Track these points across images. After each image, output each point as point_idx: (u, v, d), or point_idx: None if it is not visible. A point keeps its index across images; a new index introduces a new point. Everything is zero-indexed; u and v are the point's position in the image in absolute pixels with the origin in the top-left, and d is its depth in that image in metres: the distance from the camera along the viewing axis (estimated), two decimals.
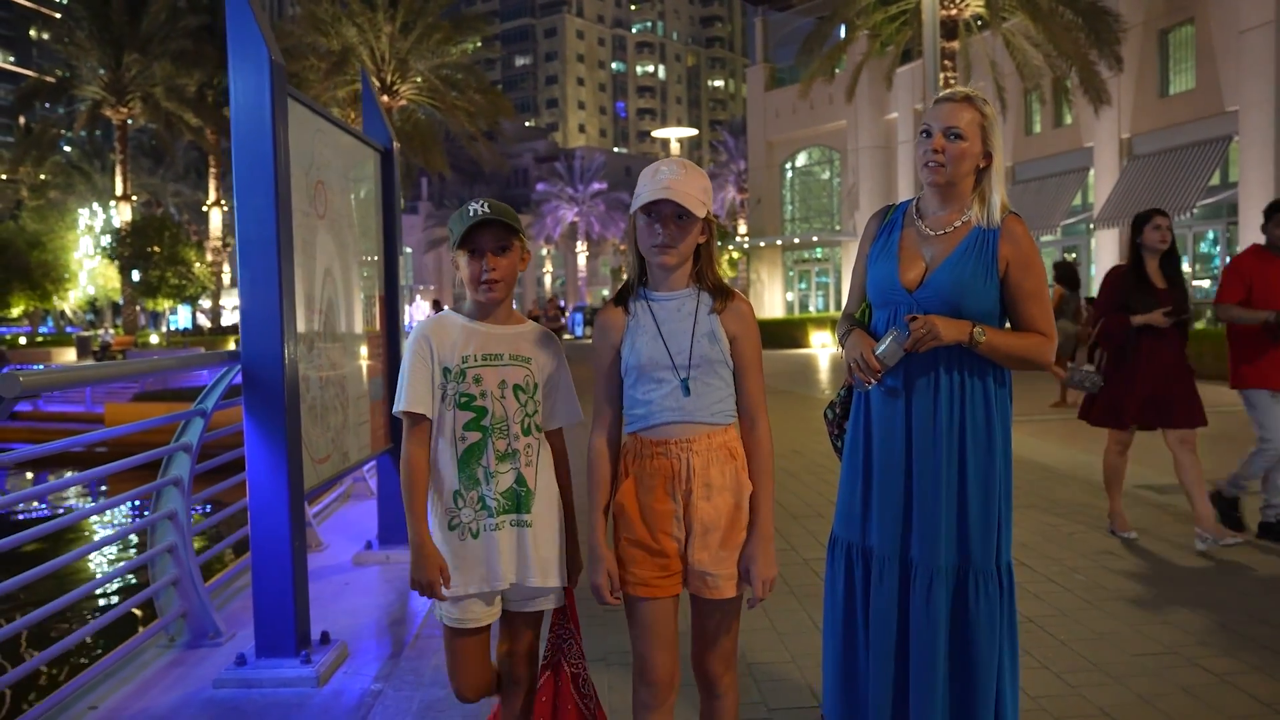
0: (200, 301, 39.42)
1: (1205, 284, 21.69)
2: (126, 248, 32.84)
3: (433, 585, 2.22)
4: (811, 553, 5.07)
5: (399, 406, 2.27)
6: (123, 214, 35.91)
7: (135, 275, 33.16)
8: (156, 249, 32.39)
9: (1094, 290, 22.59)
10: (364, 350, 4.77)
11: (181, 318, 49.85)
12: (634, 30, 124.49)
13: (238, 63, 3.47)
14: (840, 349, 2.66)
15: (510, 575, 2.28)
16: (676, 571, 2.19)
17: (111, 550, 8.31)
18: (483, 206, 2.25)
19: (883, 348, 2.35)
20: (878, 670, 2.39)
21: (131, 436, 3.99)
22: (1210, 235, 21.41)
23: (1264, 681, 3.24)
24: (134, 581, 6.78)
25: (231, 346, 29.38)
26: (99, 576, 3.96)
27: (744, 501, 2.20)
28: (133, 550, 8.19)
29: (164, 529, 3.94)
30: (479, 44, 36.45)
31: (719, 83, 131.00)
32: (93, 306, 48.33)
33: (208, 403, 3.97)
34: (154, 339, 34.72)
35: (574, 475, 2.41)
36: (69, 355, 33.45)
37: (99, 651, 4.04)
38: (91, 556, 7.98)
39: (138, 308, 37.03)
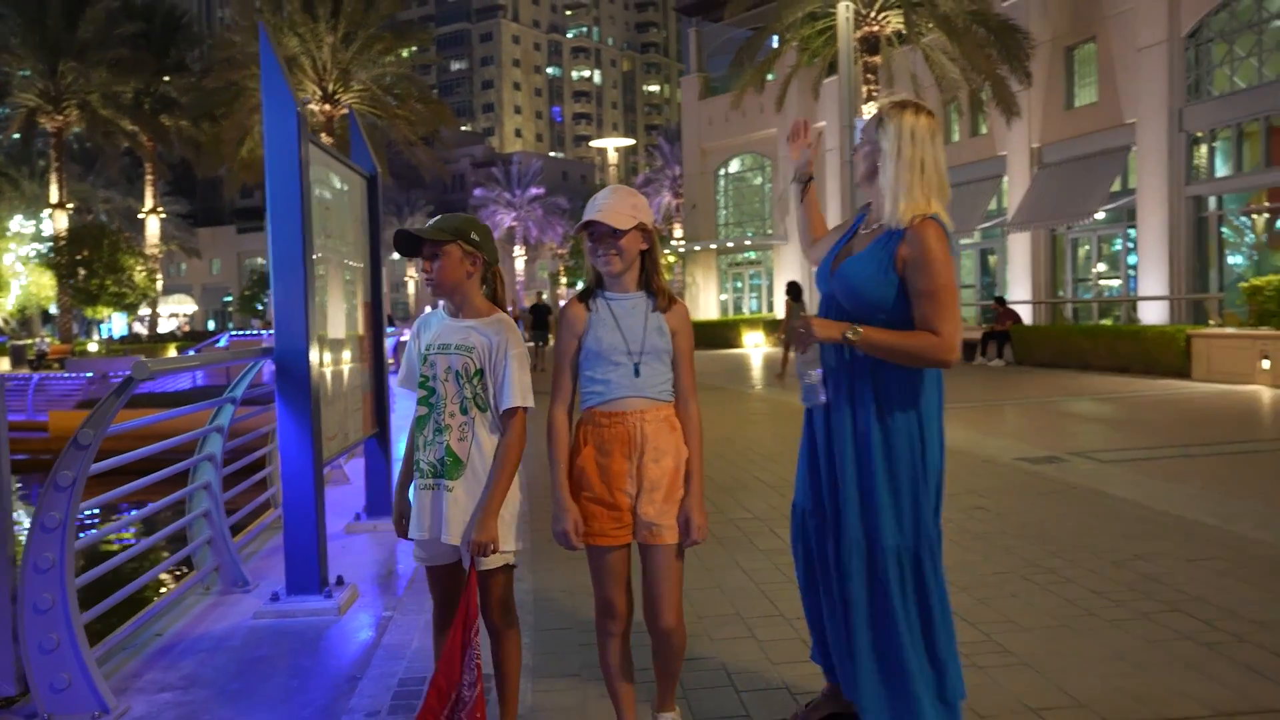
0: (137, 310, 39.12)
1: (1115, 283, 23.24)
2: (64, 255, 32.69)
3: (395, 523, 2.81)
4: (736, 513, 6.05)
5: (397, 382, 2.93)
6: (58, 222, 35.66)
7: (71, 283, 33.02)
8: (87, 254, 32.27)
9: (1006, 291, 24.05)
10: (356, 348, 5.60)
11: (116, 325, 49.31)
12: (569, 35, 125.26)
13: (270, 111, 4.29)
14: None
15: (427, 530, 2.68)
16: (628, 524, 2.61)
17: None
18: (429, 222, 2.78)
19: (804, 359, 2.70)
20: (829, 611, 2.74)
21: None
22: (1118, 238, 22.94)
23: (1073, 589, 4.27)
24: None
25: (172, 353, 29.12)
26: (147, 537, 4.72)
27: (682, 465, 2.64)
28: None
29: (200, 497, 4.75)
30: (414, 49, 36.82)
31: (654, 88, 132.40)
32: (21, 315, 47.57)
33: (237, 391, 4.79)
34: (93, 347, 34.55)
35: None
36: (2, 365, 33.15)
37: (147, 599, 4.81)
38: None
39: (70, 315, 36.79)
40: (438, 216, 2.78)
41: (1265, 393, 12.05)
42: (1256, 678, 3.21)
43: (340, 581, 4.62)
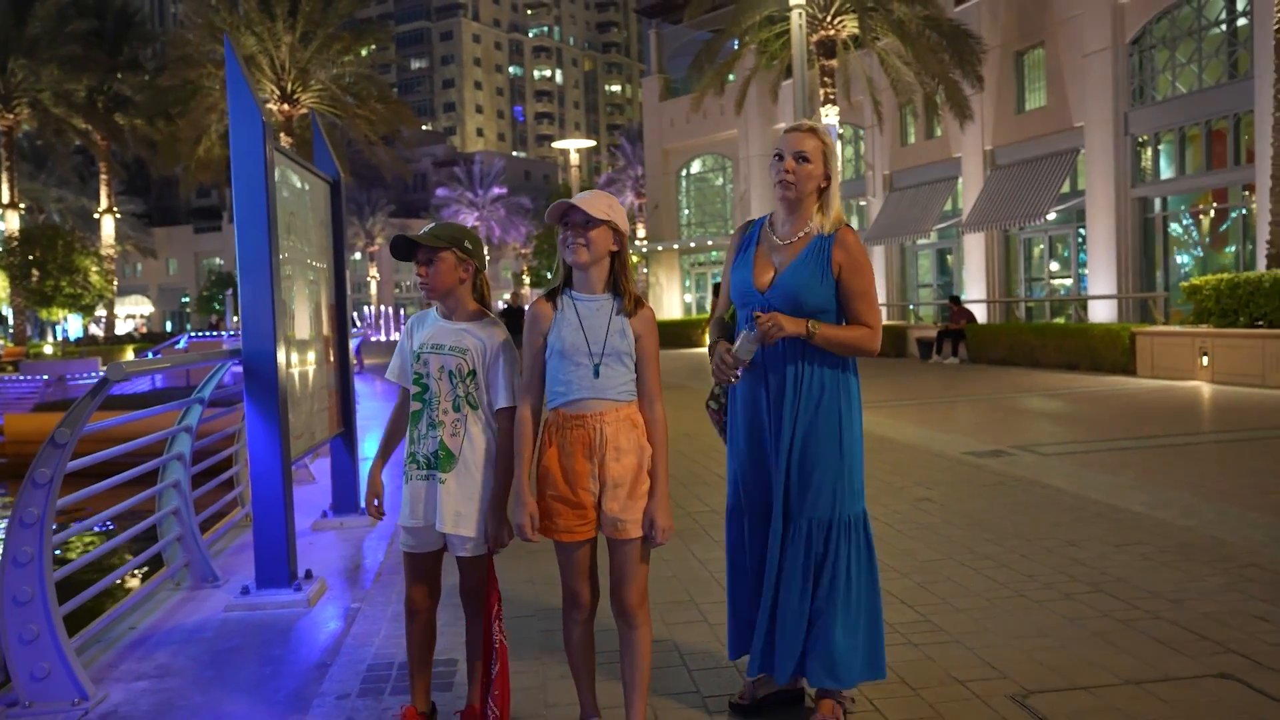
0: (93, 311, 38.57)
1: (1067, 282, 23.79)
2: (16, 256, 32.21)
3: (367, 503, 2.99)
4: (694, 506, 6.28)
5: (388, 375, 3.09)
6: (10, 222, 35.09)
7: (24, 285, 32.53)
8: (40, 254, 31.83)
9: (963, 290, 24.55)
10: (321, 348, 5.74)
11: (72, 327, 48.57)
12: (530, 35, 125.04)
13: (237, 122, 4.43)
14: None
15: (420, 517, 2.86)
16: (592, 520, 2.72)
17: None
18: (421, 230, 2.98)
19: (737, 345, 2.82)
20: (761, 601, 2.95)
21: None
22: (1069, 238, 23.50)
23: (1006, 573, 4.53)
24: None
25: (130, 356, 28.94)
26: (118, 535, 4.84)
27: (644, 461, 2.71)
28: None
29: (169, 495, 4.87)
30: (373, 48, 36.66)
31: (616, 88, 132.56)
32: None
33: (205, 392, 4.92)
34: (48, 349, 34.07)
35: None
36: None
37: (117, 596, 4.92)
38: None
39: (23, 317, 36.22)
40: (432, 224, 2.94)
41: (1205, 388, 12.52)
42: (1165, 649, 3.48)
43: (309, 575, 4.77)
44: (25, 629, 3.36)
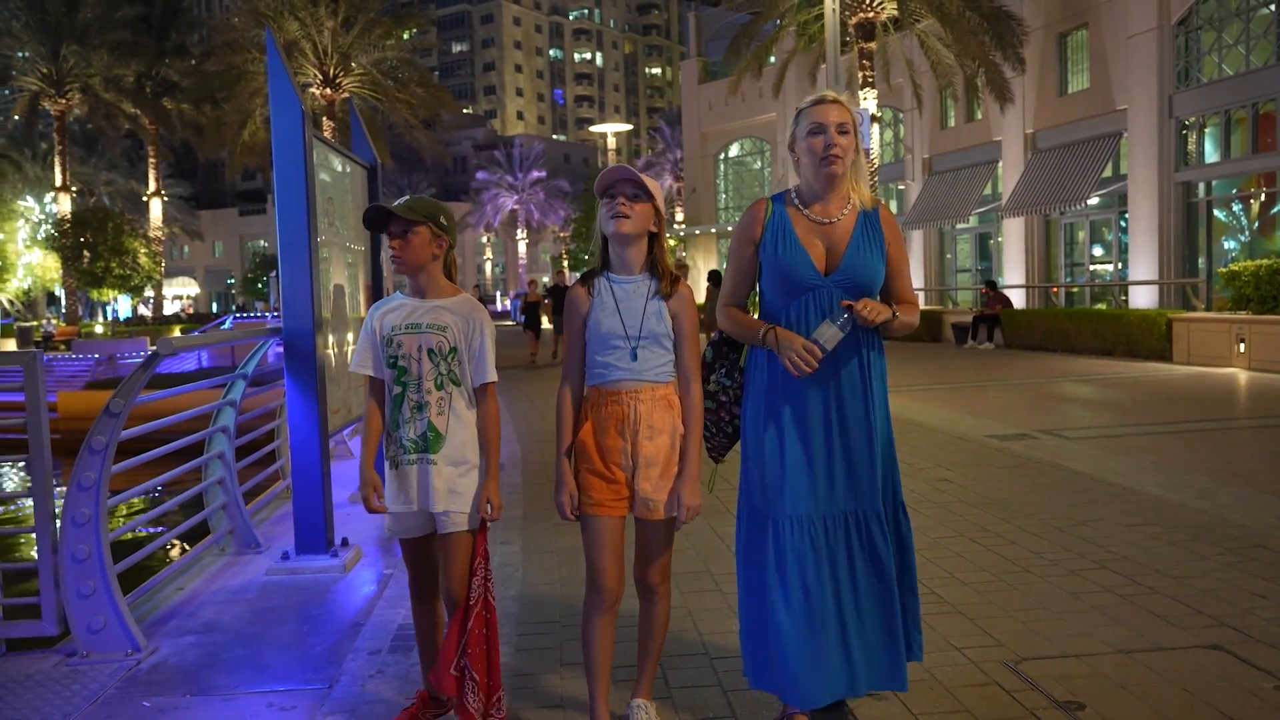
0: (142, 292, 39.54)
1: (1109, 268, 23.50)
2: (69, 238, 33.08)
3: (366, 500, 2.86)
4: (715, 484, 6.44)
5: (350, 367, 3.16)
6: (62, 205, 36.04)
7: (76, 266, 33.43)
8: (91, 236, 32.68)
9: (1002, 275, 24.37)
10: (358, 328, 5.97)
11: (122, 308, 49.76)
12: (571, 17, 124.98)
13: (277, 110, 4.65)
14: (713, 334, 2.89)
15: (414, 502, 2.81)
16: (624, 497, 2.72)
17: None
18: (395, 202, 2.81)
19: (824, 336, 2.60)
20: (820, 617, 2.66)
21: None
22: (1111, 223, 23.22)
23: (1014, 550, 4.66)
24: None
25: (177, 334, 29.68)
26: (165, 502, 5.12)
27: (678, 442, 2.74)
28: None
29: (215, 466, 5.14)
30: (414, 31, 36.96)
31: (656, 70, 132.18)
32: (27, 297, 48.05)
33: (248, 368, 5.17)
34: (98, 329, 34.99)
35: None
36: (9, 346, 33.57)
37: (166, 560, 5.22)
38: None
39: (75, 297, 37.22)
40: (406, 197, 2.89)
41: (1241, 375, 12.42)
42: (1160, 622, 3.61)
43: (345, 543, 5.01)
44: (83, 584, 3.63)
